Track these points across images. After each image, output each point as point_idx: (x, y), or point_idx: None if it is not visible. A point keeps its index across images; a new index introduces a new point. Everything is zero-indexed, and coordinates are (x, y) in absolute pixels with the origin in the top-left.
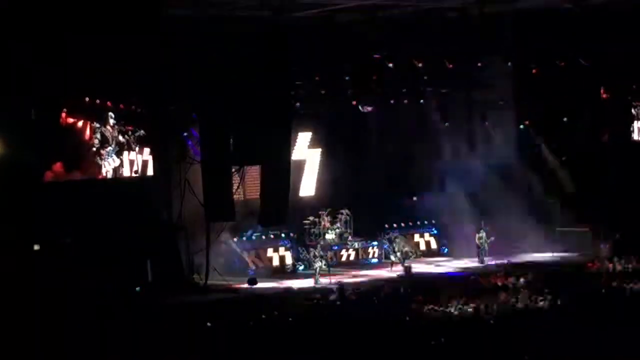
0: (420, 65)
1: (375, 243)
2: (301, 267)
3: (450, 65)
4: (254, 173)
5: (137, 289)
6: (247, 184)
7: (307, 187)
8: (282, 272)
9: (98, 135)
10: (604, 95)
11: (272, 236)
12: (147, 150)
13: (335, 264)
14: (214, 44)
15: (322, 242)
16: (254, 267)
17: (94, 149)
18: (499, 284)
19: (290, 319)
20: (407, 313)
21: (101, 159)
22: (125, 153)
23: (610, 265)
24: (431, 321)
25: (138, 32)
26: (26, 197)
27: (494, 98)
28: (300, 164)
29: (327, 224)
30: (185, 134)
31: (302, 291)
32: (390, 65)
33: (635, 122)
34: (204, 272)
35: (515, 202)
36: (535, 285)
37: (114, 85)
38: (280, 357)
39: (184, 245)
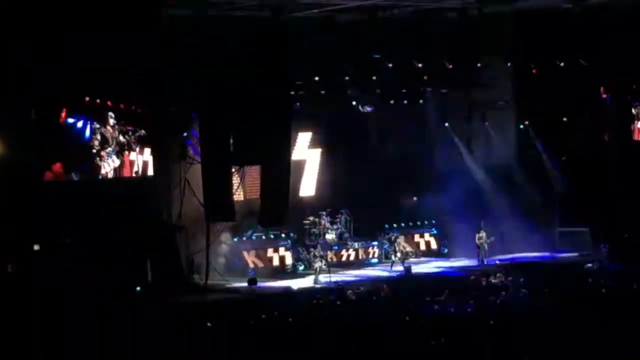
0: (420, 65)
1: (375, 243)
2: (301, 267)
3: (450, 66)
4: (254, 173)
5: (138, 289)
6: (247, 184)
7: (307, 187)
8: (282, 272)
9: (98, 136)
10: (604, 95)
11: (272, 236)
12: (147, 150)
13: (335, 264)
14: (214, 44)
15: (322, 242)
16: (253, 267)
17: (94, 150)
18: (499, 284)
19: (290, 319)
20: (407, 313)
21: (101, 160)
22: (126, 153)
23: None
24: (431, 321)
25: (138, 32)
26: (26, 197)
27: (494, 98)
28: (300, 164)
29: (327, 224)
30: (185, 134)
31: (302, 291)
32: (390, 65)
33: (636, 122)
34: (204, 272)
35: (515, 202)
36: (535, 286)
37: (114, 85)
38: (280, 357)
39: (184, 245)
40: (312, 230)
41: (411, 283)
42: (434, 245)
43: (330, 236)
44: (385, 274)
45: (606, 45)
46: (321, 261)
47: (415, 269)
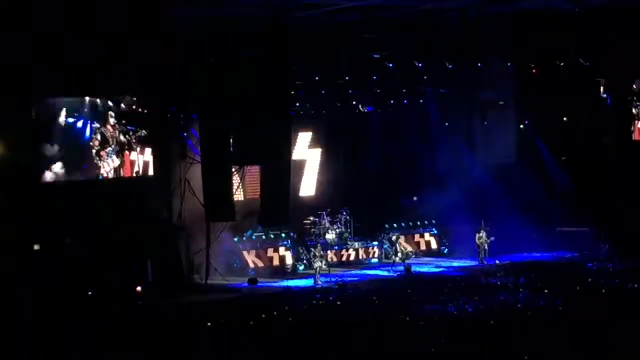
0: (420, 65)
1: (375, 243)
2: (301, 267)
3: (450, 65)
4: (254, 173)
5: (139, 288)
6: (247, 183)
7: (307, 187)
8: (282, 272)
9: (98, 136)
10: (604, 95)
11: (272, 236)
12: (148, 150)
13: (335, 264)
14: (214, 44)
15: (322, 242)
16: (254, 267)
17: (94, 150)
18: (499, 283)
19: (290, 319)
20: (407, 313)
21: (101, 160)
22: (126, 153)
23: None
24: (431, 321)
25: (138, 32)
26: (26, 197)
27: (494, 98)
28: (301, 164)
29: (327, 224)
30: (185, 134)
31: (302, 291)
32: (390, 65)
33: (636, 121)
34: (204, 272)
35: (515, 202)
36: (535, 285)
37: (114, 85)
38: (280, 357)
39: (184, 245)
40: (312, 230)
41: (411, 283)
42: (434, 245)
43: (330, 236)
44: (386, 274)
45: (606, 45)
46: (321, 261)
47: (415, 269)
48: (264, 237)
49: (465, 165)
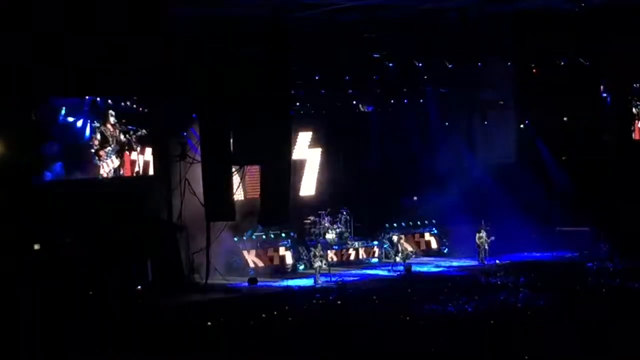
0: (420, 64)
1: (375, 243)
2: (301, 267)
3: (450, 65)
4: (254, 173)
5: (138, 287)
6: (248, 183)
7: (308, 186)
8: (282, 271)
9: (98, 135)
10: (604, 95)
11: (272, 236)
12: (148, 150)
13: (336, 264)
14: (214, 44)
15: (322, 242)
16: (254, 267)
17: (93, 149)
18: (499, 283)
19: (290, 319)
20: (407, 313)
21: (100, 160)
22: (126, 153)
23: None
24: (431, 321)
25: (139, 32)
26: (26, 197)
27: (494, 98)
28: (301, 164)
29: (327, 224)
30: (185, 133)
31: (302, 291)
32: (391, 64)
33: (636, 121)
34: (205, 271)
35: (515, 202)
36: (535, 285)
37: (114, 85)
38: (281, 357)
39: (184, 244)
40: (313, 229)
41: (411, 283)
42: (434, 245)
43: (330, 236)
44: (386, 273)
45: (606, 45)
46: (321, 261)
47: (415, 269)
48: (264, 236)
49: (465, 165)
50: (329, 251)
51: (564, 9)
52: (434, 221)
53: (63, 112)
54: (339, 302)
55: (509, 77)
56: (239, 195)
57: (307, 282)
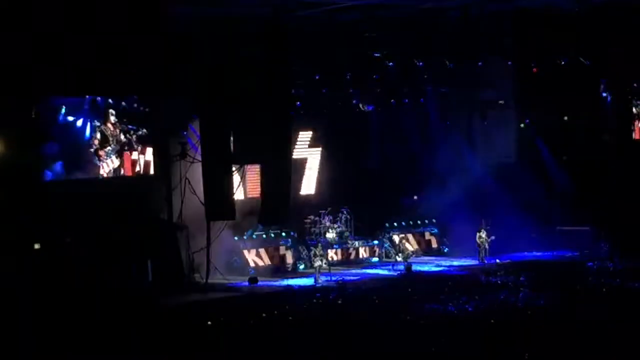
0: (420, 64)
1: (375, 242)
2: (302, 266)
3: (451, 65)
4: (254, 172)
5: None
6: (248, 182)
7: (308, 186)
8: (282, 271)
9: (98, 135)
10: (604, 94)
11: (272, 235)
12: (149, 150)
13: (336, 263)
14: (214, 44)
15: (322, 241)
16: (254, 266)
17: (92, 149)
18: (500, 283)
19: (290, 318)
20: (408, 312)
21: (99, 160)
22: (127, 153)
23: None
24: (431, 320)
25: (138, 32)
26: (26, 197)
27: (494, 97)
28: (301, 163)
29: (328, 223)
30: (185, 132)
31: (302, 290)
32: (391, 64)
33: (636, 121)
34: (205, 271)
35: (515, 201)
36: (536, 285)
37: (114, 85)
38: (281, 357)
39: (185, 244)
40: (313, 229)
41: (411, 282)
42: (434, 244)
43: (330, 235)
44: (386, 273)
45: (607, 44)
46: (322, 260)
47: (416, 268)
48: (264, 236)
49: (465, 164)
50: (329, 250)
51: (565, 9)
52: (434, 220)
53: (63, 111)
54: (339, 302)
55: (509, 77)
56: (239, 194)
57: (307, 281)
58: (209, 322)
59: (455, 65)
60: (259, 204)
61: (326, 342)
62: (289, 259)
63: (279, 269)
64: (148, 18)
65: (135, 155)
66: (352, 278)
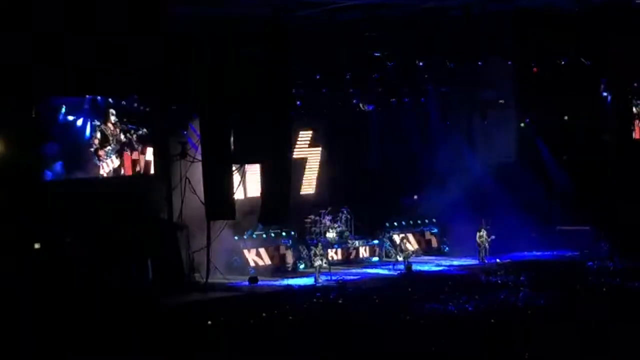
0: (420, 63)
1: (375, 242)
2: (302, 266)
3: (451, 64)
4: (254, 171)
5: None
6: (248, 182)
7: (308, 185)
8: (282, 270)
9: (98, 134)
10: (605, 94)
11: (272, 235)
12: (150, 150)
13: (336, 263)
14: (214, 44)
15: (322, 241)
16: (254, 266)
17: (92, 149)
18: (500, 282)
19: (290, 318)
20: (408, 312)
21: (99, 160)
22: (127, 153)
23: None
24: (431, 320)
25: (138, 32)
26: (26, 197)
27: (495, 97)
28: (301, 163)
29: (328, 223)
30: (185, 132)
31: (302, 290)
32: (391, 63)
33: (636, 120)
34: (205, 270)
35: (515, 201)
36: (536, 284)
37: (114, 85)
38: (281, 356)
39: (185, 243)
40: (313, 228)
41: (411, 282)
42: (434, 244)
43: (330, 234)
44: (386, 272)
45: (607, 44)
46: (322, 259)
47: (416, 268)
48: (264, 235)
49: (465, 164)
50: (329, 250)
51: (565, 9)
52: (434, 220)
53: (63, 110)
54: (339, 301)
55: (509, 77)
56: (239, 194)
57: (307, 281)
58: (209, 322)
59: (456, 65)
60: (259, 204)
61: (326, 341)
62: (289, 259)
63: (279, 268)
64: (148, 18)
65: (135, 155)
66: (352, 278)
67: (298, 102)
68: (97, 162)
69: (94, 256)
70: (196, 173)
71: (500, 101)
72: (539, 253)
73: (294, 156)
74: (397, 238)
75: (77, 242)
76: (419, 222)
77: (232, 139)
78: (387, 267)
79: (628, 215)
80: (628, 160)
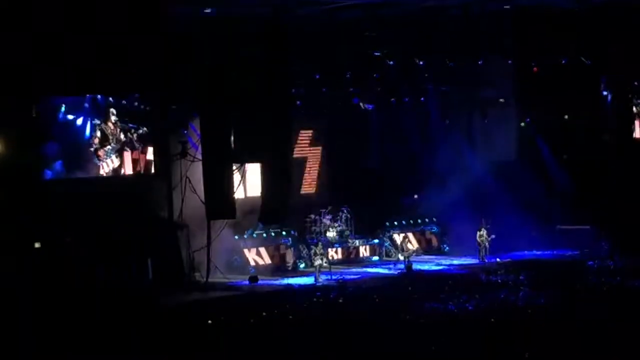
0: (421, 63)
1: (376, 241)
2: (302, 265)
3: (451, 63)
4: (255, 171)
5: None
6: (248, 181)
7: (308, 185)
8: (283, 270)
9: (98, 133)
10: (605, 93)
11: (273, 234)
12: (151, 149)
13: (336, 262)
14: (214, 44)
15: (322, 240)
16: (254, 265)
17: (92, 148)
18: (500, 281)
19: (290, 317)
20: (408, 311)
21: (99, 160)
22: (128, 153)
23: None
24: (432, 319)
25: (138, 32)
26: (26, 197)
27: (495, 96)
28: (301, 162)
29: (328, 222)
30: (185, 131)
31: (302, 289)
32: (391, 62)
33: (636, 120)
34: (205, 270)
35: (515, 200)
36: (536, 283)
37: (114, 85)
38: (281, 356)
39: (185, 243)
40: (313, 228)
41: (412, 281)
42: (434, 243)
43: (331, 234)
44: (386, 272)
45: (607, 43)
46: (322, 259)
47: (416, 267)
48: (264, 235)
49: (465, 163)
50: (329, 249)
51: (565, 8)
52: (434, 219)
53: (63, 109)
54: (339, 301)
55: (509, 76)
56: (239, 193)
57: (307, 280)
58: (209, 321)
59: (456, 64)
60: (259, 203)
61: (326, 341)
62: (290, 258)
63: (279, 267)
64: (148, 18)
65: (136, 154)
66: (352, 277)
67: (298, 102)
68: (97, 162)
69: (94, 255)
70: (196, 172)
71: (501, 100)
72: (539, 252)
73: (294, 155)
74: (397, 237)
75: (77, 242)
76: (419, 221)
77: (232, 138)
78: (387, 266)
79: (628, 215)
80: (628, 159)
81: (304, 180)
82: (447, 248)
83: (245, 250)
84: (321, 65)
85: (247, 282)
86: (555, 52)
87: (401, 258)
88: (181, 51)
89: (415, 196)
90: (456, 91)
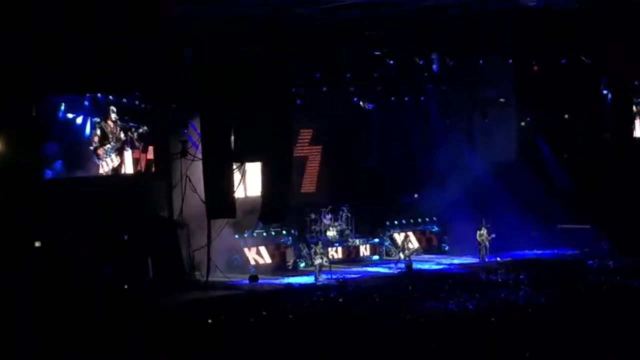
0: (421, 62)
1: (376, 240)
2: (302, 264)
3: (451, 63)
4: (255, 170)
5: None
6: (248, 181)
7: (308, 184)
8: (283, 269)
9: (98, 132)
10: (605, 92)
11: (273, 233)
12: (151, 148)
13: (336, 261)
14: (214, 44)
15: (323, 239)
16: (255, 264)
17: (92, 147)
18: (500, 281)
19: (291, 316)
20: (408, 310)
21: (99, 159)
22: (128, 152)
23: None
24: (432, 319)
25: (138, 32)
26: (26, 196)
27: (495, 95)
28: (302, 161)
29: (328, 221)
30: (186, 130)
31: (303, 288)
32: (391, 62)
33: (637, 119)
34: (205, 269)
35: (515, 200)
36: (536, 283)
37: (114, 85)
38: (281, 355)
39: (185, 242)
40: (313, 227)
41: (412, 280)
42: (435, 242)
43: (331, 233)
44: (386, 271)
45: (607, 42)
46: (322, 258)
47: (416, 266)
48: (265, 234)
49: (465, 162)
50: (329, 248)
51: (565, 7)
52: (434, 219)
53: (62, 108)
54: (339, 300)
55: (509, 75)
56: (239, 192)
57: (307, 279)
58: (210, 320)
59: (456, 64)
60: (259, 202)
61: (326, 340)
62: (290, 257)
63: (279, 267)
64: (148, 18)
65: (136, 153)
66: (352, 276)
67: (298, 101)
68: (97, 161)
69: (94, 256)
70: (197, 171)
71: (501, 100)
72: (539, 251)
73: (295, 155)
74: (397, 236)
75: (77, 241)
76: (419, 220)
77: (232, 137)
78: (387, 265)
79: (628, 214)
80: (628, 159)
81: (304, 180)
82: (447, 247)
83: (246, 250)
84: (321, 64)
85: (247, 282)
86: (555, 52)
87: (402, 257)
88: (181, 51)
89: (416, 195)
90: (456, 91)
